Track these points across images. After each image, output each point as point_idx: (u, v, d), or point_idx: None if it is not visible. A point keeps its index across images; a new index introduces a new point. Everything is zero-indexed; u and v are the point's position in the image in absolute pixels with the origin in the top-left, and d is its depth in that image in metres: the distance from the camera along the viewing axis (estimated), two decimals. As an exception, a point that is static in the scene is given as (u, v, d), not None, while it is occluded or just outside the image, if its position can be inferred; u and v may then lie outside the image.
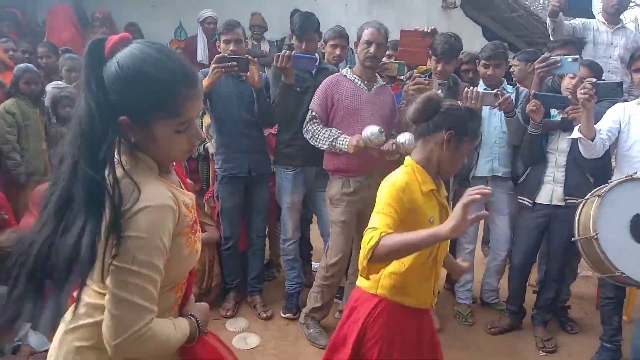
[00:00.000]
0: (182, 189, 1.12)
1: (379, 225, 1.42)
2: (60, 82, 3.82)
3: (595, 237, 1.89)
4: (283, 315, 3.06)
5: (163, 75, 0.95)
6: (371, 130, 2.45)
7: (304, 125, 2.73)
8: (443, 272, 3.35)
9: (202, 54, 4.86)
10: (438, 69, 2.83)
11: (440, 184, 1.68)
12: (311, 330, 2.84)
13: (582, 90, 2.32)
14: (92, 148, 0.92)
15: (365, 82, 2.70)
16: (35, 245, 0.91)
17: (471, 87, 2.68)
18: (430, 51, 2.91)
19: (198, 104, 1.02)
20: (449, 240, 1.61)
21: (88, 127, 0.92)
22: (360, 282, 1.71)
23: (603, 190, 1.96)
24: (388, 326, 1.62)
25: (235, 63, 2.64)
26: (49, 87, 3.70)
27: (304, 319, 2.90)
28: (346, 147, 2.56)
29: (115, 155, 0.97)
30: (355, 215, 2.72)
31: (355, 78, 2.70)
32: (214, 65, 2.64)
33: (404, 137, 2.50)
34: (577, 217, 2.02)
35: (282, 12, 5.50)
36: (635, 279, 1.87)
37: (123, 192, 0.93)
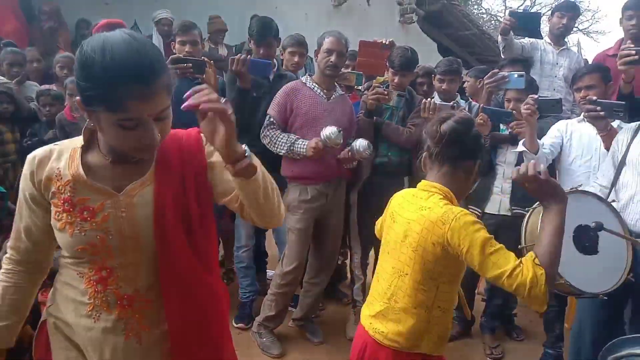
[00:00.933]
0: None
1: (509, 261, 1.28)
2: (1, 77, 3.61)
3: None
4: (235, 325, 2.98)
5: (110, 67, 0.91)
6: (330, 130, 2.46)
7: (261, 131, 2.69)
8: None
9: None
10: (395, 81, 2.87)
11: None
12: (264, 339, 2.78)
13: (525, 106, 2.42)
14: None
15: (325, 90, 2.70)
16: None
17: (428, 99, 2.75)
18: (387, 63, 2.96)
19: (149, 104, 0.95)
20: None
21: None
22: (389, 339, 1.47)
23: None
24: None
25: (190, 65, 2.58)
26: (-13, 82, 3.49)
27: (257, 328, 2.84)
28: (305, 150, 2.55)
29: None
30: (312, 222, 2.71)
31: (315, 86, 2.70)
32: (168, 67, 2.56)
33: (359, 143, 2.52)
34: (524, 226, 2.07)
35: (241, 17, 5.45)
36: (578, 288, 1.92)
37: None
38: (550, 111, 2.61)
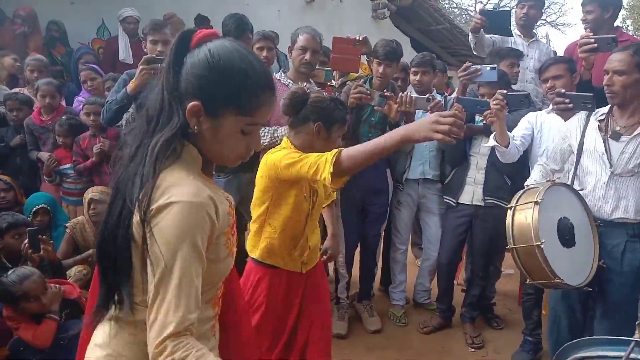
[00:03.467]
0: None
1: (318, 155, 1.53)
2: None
3: (541, 246, 1.87)
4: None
5: (250, 72, 0.97)
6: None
7: None
8: (378, 274, 3.45)
9: (124, 52, 4.59)
10: (379, 71, 2.86)
11: None
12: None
13: (494, 101, 2.47)
14: (156, 134, 0.95)
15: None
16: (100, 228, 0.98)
17: (405, 92, 2.77)
18: (370, 55, 2.97)
19: (270, 112, 1.03)
20: (322, 201, 1.91)
21: (157, 111, 0.96)
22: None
23: (537, 196, 1.96)
24: (262, 290, 1.85)
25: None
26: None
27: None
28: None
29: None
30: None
31: (290, 82, 2.68)
32: (141, 67, 2.50)
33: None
34: (509, 224, 2.04)
35: (212, 14, 5.37)
36: (569, 284, 1.94)
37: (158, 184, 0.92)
38: (519, 105, 2.65)
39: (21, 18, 4.39)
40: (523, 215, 1.99)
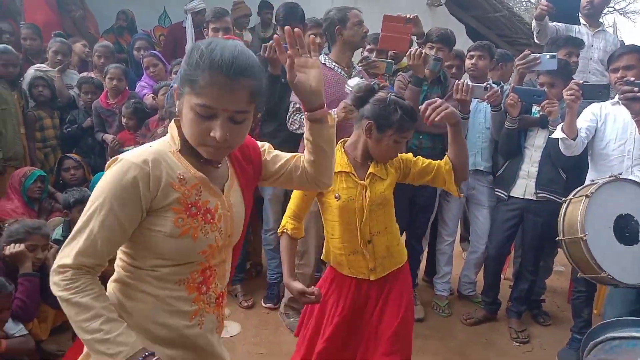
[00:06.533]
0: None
1: (289, 206, 1.84)
2: (43, 65, 3.75)
3: (584, 238, 1.88)
4: (264, 305, 3.07)
5: (205, 52, 1.00)
6: (355, 81, 2.44)
7: (287, 118, 2.71)
8: (422, 265, 3.45)
9: (191, 42, 4.79)
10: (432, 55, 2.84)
11: (368, 165, 1.80)
12: (291, 319, 2.86)
13: (568, 92, 2.37)
14: None
15: (346, 68, 2.70)
16: None
17: (462, 80, 2.73)
18: (416, 39, 2.94)
19: (226, 97, 0.99)
20: (375, 212, 1.79)
21: None
22: None
23: (590, 190, 1.95)
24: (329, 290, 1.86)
25: None
26: (30, 70, 3.63)
27: (283, 309, 2.92)
28: (336, 115, 2.50)
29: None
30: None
31: (335, 66, 2.70)
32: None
33: (351, 81, 2.53)
34: (561, 216, 2.02)
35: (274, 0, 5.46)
36: (619, 280, 1.89)
37: None
38: (596, 98, 2.49)
39: (73, 3, 4.66)
40: (574, 208, 1.97)
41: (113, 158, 1.05)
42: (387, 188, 1.80)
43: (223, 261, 1.19)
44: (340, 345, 1.83)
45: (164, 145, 1.09)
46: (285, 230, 1.82)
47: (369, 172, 1.78)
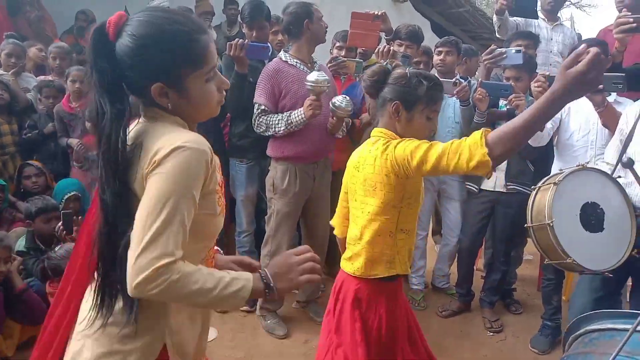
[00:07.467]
0: None
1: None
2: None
3: (551, 224, 1.92)
4: (240, 308, 3.03)
5: (180, 28, 0.98)
6: (314, 77, 2.43)
7: (253, 121, 2.65)
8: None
9: None
10: (401, 52, 2.86)
11: None
12: (268, 321, 2.83)
13: (536, 84, 2.43)
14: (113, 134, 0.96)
15: (308, 64, 2.67)
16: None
17: None
18: (385, 35, 2.95)
19: (214, 48, 1.04)
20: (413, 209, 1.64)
21: (100, 118, 0.97)
22: (344, 266, 1.72)
23: (558, 178, 2.00)
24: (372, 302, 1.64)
25: None
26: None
27: (259, 311, 2.89)
28: (303, 114, 2.51)
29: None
30: (299, 206, 2.73)
31: (297, 62, 2.65)
32: None
33: (336, 98, 2.53)
34: (530, 204, 2.07)
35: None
36: (584, 266, 1.94)
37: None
38: None
39: (29, 4, 4.48)
40: (542, 196, 2.02)
41: (175, 146, 0.93)
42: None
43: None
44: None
45: (177, 124, 1.05)
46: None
47: None
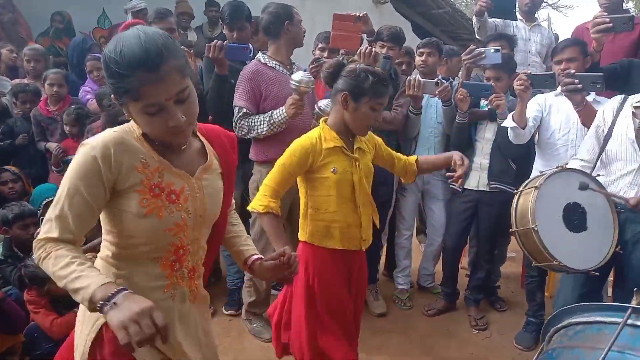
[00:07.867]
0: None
1: (267, 184, 1.83)
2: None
3: (535, 228, 1.94)
4: (225, 312, 3.00)
5: (121, 61, 1.00)
6: (299, 75, 2.38)
7: (234, 124, 2.61)
8: (382, 259, 3.49)
9: None
10: (383, 53, 2.85)
11: (356, 139, 1.88)
12: (254, 325, 2.81)
13: (518, 82, 2.45)
14: None
15: (287, 66, 2.66)
16: None
17: (413, 76, 2.77)
18: (370, 37, 2.95)
19: (162, 88, 1.02)
20: (364, 184, 1.87)
21: None
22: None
23: (539, 181, 2.01)
24: (310, 268, 1.87)
25: None
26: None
27: (245, 315, 2.86)
28: (285, 112, 2.48)
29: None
30: (286, 208, 2.70)
31: (276, 64, 2.62)
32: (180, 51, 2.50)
33: (322, 102, 2.52)
34: (513, 208, 2.07)
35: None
36: (570, 267, 1.95)
37: None
38: (544, 86, 2.59)
39: (1, 5, 4.37)
40: (524, 200, 2.03)
41: (82, 143, 1.09)
42: (370, 160, 1.93)
43: (197, 239, 1.25)
44: (344, 314, 1.89)
45: (126, 131, 1.14)
46: (270, 210, 1.79)
47: (356, 146, 1.86)
